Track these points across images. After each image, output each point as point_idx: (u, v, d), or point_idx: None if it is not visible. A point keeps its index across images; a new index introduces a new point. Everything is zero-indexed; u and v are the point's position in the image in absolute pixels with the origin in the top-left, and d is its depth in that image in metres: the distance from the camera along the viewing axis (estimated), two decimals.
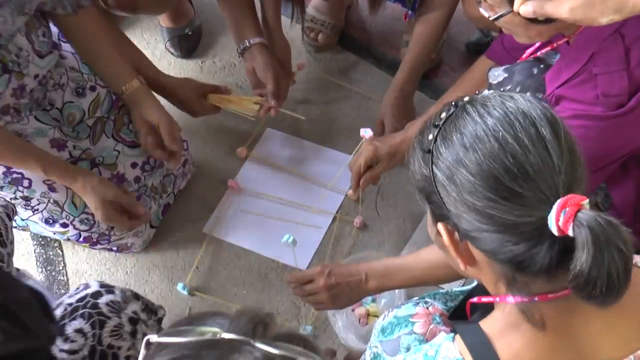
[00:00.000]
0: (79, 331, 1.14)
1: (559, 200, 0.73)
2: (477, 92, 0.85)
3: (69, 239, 1.67)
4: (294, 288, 1.42)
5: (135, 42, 1.77)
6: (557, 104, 1.17)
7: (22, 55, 1.36)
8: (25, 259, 1.78)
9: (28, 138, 1.47)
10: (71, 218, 1.58)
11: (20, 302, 0.85)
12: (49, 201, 1.55)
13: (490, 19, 1.10)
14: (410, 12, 1.83)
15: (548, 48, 1.22)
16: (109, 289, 1.20)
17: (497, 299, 0.85)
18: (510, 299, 0.82)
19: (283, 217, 1.78)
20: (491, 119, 0.78)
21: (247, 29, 1.73)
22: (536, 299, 0.80)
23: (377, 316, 1.52)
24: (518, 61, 1.30)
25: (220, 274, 1.73)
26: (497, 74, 1.32)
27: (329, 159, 1.85)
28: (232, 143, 1.89)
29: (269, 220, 1.78)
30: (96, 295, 1.19)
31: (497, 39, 1.51)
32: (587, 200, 0.73)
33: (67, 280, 1.77)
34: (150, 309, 1.24)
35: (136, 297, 1.24)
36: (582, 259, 0.71)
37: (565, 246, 0.74)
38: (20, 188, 1.52)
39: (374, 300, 1.59)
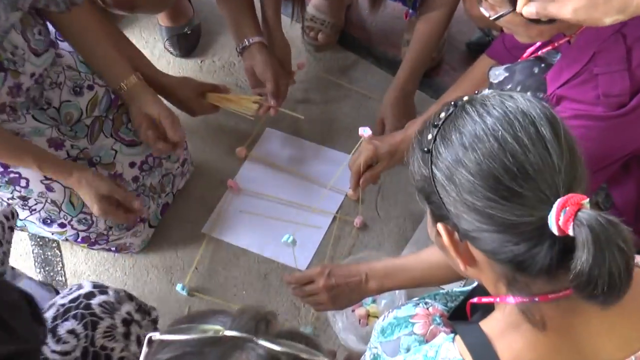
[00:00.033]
0: (71, 332, 1.13)
1: (559, 200, 0.73)
2: (476, 91, 0.85)
3: (67, 239, 1.67)
4: (294, 289, 1.41)
5: (134, 41, 1.76)
6: (558, 104, 1.17)
7: (17, 54, 1.35)
8: (23, 259, 1.78)
9: (25, 137, 1.47)
10: (69, 218, 1.57)
11: (9, 305, 0.84)
12: (46, 201, 1.54)
13: (491, 18, 1.09)
14: (411, 10, 1.82)
15: (549, 47, 1.21)
16: (102, 289, 1.20)
17: (498, 299, 0.85)
18: (511, 300, 0.82)
19: (283, 218, 1.77)
20: (490, 118, 0.78)
21: (247, 28, 1.72)
22: (537, 299, 0.80)
23: (378, 317, 1.51)
24: (519, 60, 1.30)
25: (220, 275, 1.73)
26: (498, 73, 1.32)
27: (329, 159, 1.84)
28: (232, 143, 1.89)
29: (268, 220, 1.78)
30: (89, 295, 1.18)
31: (498, 37, 1.51)
32: (588, 199, 0.73)
33: (66, 280, 1.76)
34: (144, 309, 1.24)
35: (130, 297, 1.23)
36: (582, 258, 0.71)
37: (565, 246, 0.74)
38: (18, 188, 1.52)
39: (374, 301, 1.59)
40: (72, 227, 1.60)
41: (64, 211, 1.56)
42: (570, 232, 0.72)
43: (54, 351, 1.12)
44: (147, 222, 1.73)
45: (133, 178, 1.63)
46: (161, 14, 1.99)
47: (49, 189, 1.53)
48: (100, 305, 1.16)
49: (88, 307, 1.15)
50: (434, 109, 1.13)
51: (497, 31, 1.71)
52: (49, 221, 1.59)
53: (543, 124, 0.77)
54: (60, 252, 1.79)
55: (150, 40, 2.10)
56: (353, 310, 1.57)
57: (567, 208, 0.72)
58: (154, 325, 1.26)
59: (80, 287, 1.20)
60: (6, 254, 1.23)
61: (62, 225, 1.60)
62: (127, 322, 1.18)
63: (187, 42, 2.04)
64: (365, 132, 1.48)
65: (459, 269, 0.86)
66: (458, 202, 0.78)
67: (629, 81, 1.10)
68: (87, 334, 1.13)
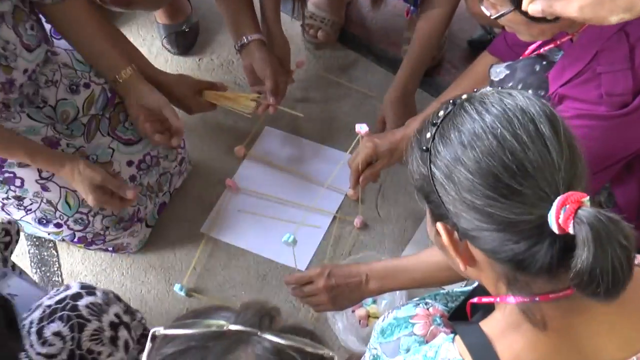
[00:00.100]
0: (57, 334, 1.12)
1: (558, 198, 0.73)
2: (475, 89, 0.84)
3: (63, 240, 1.66)
4: (293, 289, 1.41)
5: (131, 38, 1.76)
6: (560, 103, 1.17)
7: (9, 49, 1.34)
8: (19, 259, 1.76)
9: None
10: (65, 218, 1.57)
11: None
12: (42, 201, 1.53)
13: (492, 17, 1.09)
14: (412, 8, 1.82)
15: (551, 45, 1.21)
16: (89, 290, 1.18)
17: (498, 299, 0.84)
18: (511, 299, 0.82)
19: (282, 217, 1.77)
20: (489, 116, 0.78)
21: (245, 26, 1.71)
22: (537, 299, 0.79)
23: (378, 318, 1.50)
24: (520, 58, 1.29)
25: (218, 275, 1.72)
26: (499, 71, 1.32)
27: (329, 158, 1.83)
28: (230, 141, 1.88)
29: (267, 220, 1.77)
30: (76, 297, 1.16)
31: (499, 34, 1.50)
32: (588, 197, 0.73)
33: (62, 281, 1.76)
34: (131, 311, 1.22)
35: (118, 298, 1.21)
36: (582, 256, 0.71)
37: (566, 244, 0.74)
38: (13, 187, 1.51)
39: (374, 302, 1.59)
40: (69, 227, 1.59)
41: (59, 211, 1.55)
42: (571, 230, 0.72)
43: (39, 353, 1.11)
44: (145, 222, 1.72)
45: (130, 177, 1.62)
46: (159, 11, 1.98)
47: (45, 188, 1.52)
48: (87, 306, 1.15)
49: (75, 308, 1.13)
50: (434, 107, 1.14)
51: (499, 29, 1.71)
52: (44, 221, 1.58)
53: (542, 121, 0.77)
54: (57, 252, 1.78)
55: (147, 38, 2.09)
56: (353, 311, 1.57)
57: (567, 206, 0.72)
58: (142, 326, 1.25)
59: (67, 287, 1.18)
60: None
61: (58, 225, 1.59)
62: (114, 326, 1.16)
63: (185, 40, 2.03)
64: (362, 129, 1.48)
65: (459, 269, 0.86)
66: (457, 200, 0.78)
67: (631, 80, 1.09)
68: (74, 337, 1.12)
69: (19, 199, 1.53)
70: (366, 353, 1.12)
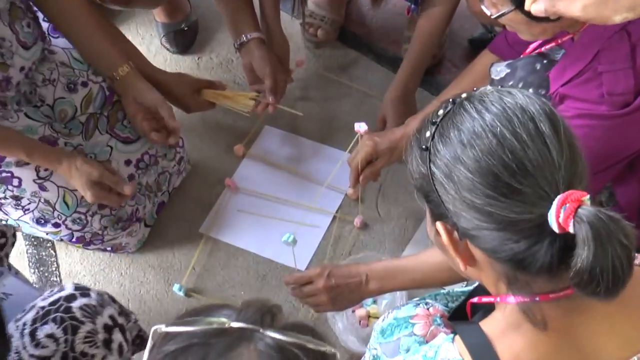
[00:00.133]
0: (50, 336, 1.11)
1: (558, 197, 0.73)
2: (474, 88, 0.84)
3: (61, 240, 1.65)
4: (293, 289, 1.41)
5: (129, 37, 1.76)
6: (561, 102, 1.16)
7: (5, 46, 1.33)
8: (17, 259, 1.76)
9: None
10: (63, 218, 1.56)
11: None
12: (39, 200, 1.53)
13: (493, 17, 1.09)
14: (413, 6, 1.82)
15: (552, 44, 1.21)
16: (84, 292, 1.17)
17: (498, 299, 0.84)
18: (511, 299, 0.81)
19: (281, 217, 1.76)
20: (489, 114, 0.78)
21: (244, 24, 1.71)
22: (537, 298, 0.79)
23: (378, 318, 1.50)
24: (521, 56, 1.29)
25: (217, 275, 1.72)
26: (500, 70, 1.32)
27: (329, 157, 1.83)
28: (229, 141, 1.88)
29: (267, 219, 1.76)
30: (70, 298, 1.15)
31: (500, 33, 1.50)
32: (588, 196, 0.73)
33: (60, 281, 1.75)
34: (126, 312, 1.21)
35: (113, 300, 1.21)
36: (582, 255, 0.71)
37: (566, 243, 0.74)
38: (10, 187, 1.50)
39: (374, 302, 1.58)
40: (67, 227, 1.58)
41: (57, 211, 1.54)
42: (571, 229, 0.71)
43: (32, 355, 1.10)
44: (143, 222, 1.72)
45: (129, 176, 1.61)
46: (157, 10, 1.98)
47: (42, 188, 1.51)
48: (81, 308, 1.14)
49: (68, 310, 1.12)
50: (434, 105, 1.13)
51: (500, 27, 1.70)
52: (42, 221, 1.57)
53: (542, 120, 0.77)
54: (55, 252, 1.78)
55: (146, 37, 2.09)
56: (353, 311, 1.56)
57: (567, 205, 0.71)
58: (138, 327, 1.24)
59: (61, 289, 1.17)
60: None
61: (56, 225, 1.58)
62: (108, 328, 1.15)
63: (184, 39, 2.02)
64: (360, 127, 1.48)
65: (459, 268, 0.86)
66: (457, 200, 0.78)
67: (633, 79, 1.09)
68: (67, 339, 1.11)
69: (17, 198, 1.52)
70: (366, 353, 1.12)
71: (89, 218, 1.57)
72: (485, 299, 0.88)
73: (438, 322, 1.06)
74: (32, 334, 1.10)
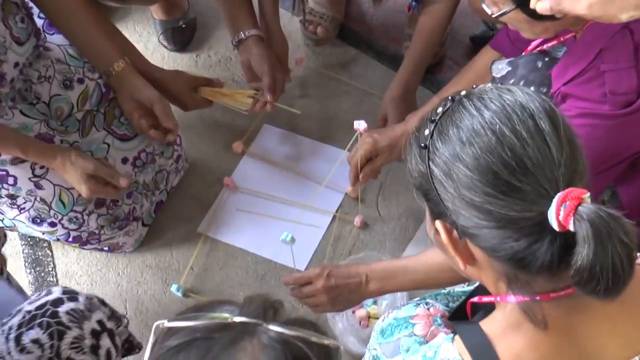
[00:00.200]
0: (35, 342, 1.09)
1: (558, 194, 0.72)
2: (474, 85, 0.84)
3: (58, 239, 1.65)
4: (292, 290, 1.40)
5: (127, 35, 1.75)
6: (563, 101, 1.16)
7: None
8: (13, 259, 1.76)
9: None
10: (59, 217, 1.55)
11: None
12: (35, 199, 1.52)
13: (494, 15, 1.08)
14: (414, 3, 1.82)
15: (554, 42, 1.20)
16: (72, 296, 1.15)
17: (498, 298, 0.84)
18: (512, 299, 0.81)
19: (281, 216, 1.76)
20: (488, 112, 0.78)
21: (242, 21, 1.69)
22: (538, 298, 0.79)
23: (378, 318, 1.50)
24: (522, 54, 1.29)
25: (216, 275, 1.71)
26: (501, 68, 1.31)
27: (328, 156, 1.82)
28: (228, 139, 1.87)
29: (266, 219, 1.76)
30: (57, 302, 1.13)
31: (502, 29, 1.49)
32: (588, 193, 0.72)
33: (57, 282, 1.75)
34: (116, 316, 1.19)
35: (103, 303, 1.19)
36: (582, 253, 0.70)
37: (566, 241, 0.73)
38: (5, 186, 1.49)
39: (375, 302, 1.58)
40: (63, 226, 1.58)
41: (54, 209, 1.54)
42: (571, 227, 0.71)
43: None
44: (141, 221, 1.71)
45: (126, 175, 1.59)
46: (155, 7, 1.97)
47: (38, 186, 1.50)
48: (68, 313, 1.12)
49: (55, 315, 1.11)
50: (434, 102, 1.14)
51: (501, 25, 1.69)
52: (38, 220, 1.57)
53: (542, 117, 0.76)
54: (52, 252, 1.77)
55: (144, 34, 2.08)
56: (353, 312, 1.56)
57: (567, 202, 0.71)
58: (128, 332, 1.22)
59: (49, 292, 1.16)
60: None
61: (52, 225, 1.57)
62: (96, 334, 1.13)
63: (182, 36, 2.01)
64: (360, 125, 1.47)
65: (459, 268, 0.86)
66: (456, 198, 0.78)
67: (636, 79, 1.08)
68: (52, 344, 1.09)
69: (12, 197, 1.51)
70: (366, 354, 1.12)
71: (85, 217, 1.56)
72: (485, 299, 0.87)
73: (438, 322, 1.06)
74: (17, 339, 1.09)
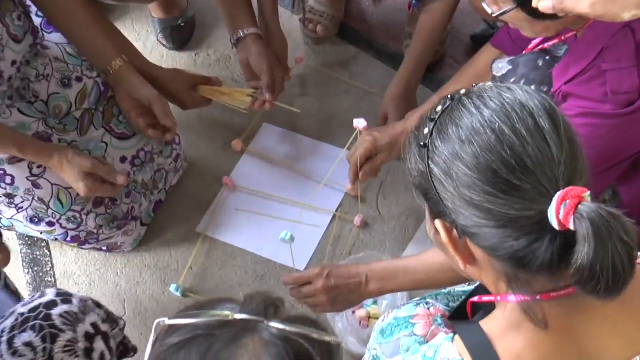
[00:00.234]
0: (28, 345, 1.08)
1: (558, 193, 0.72)
2: (473, 84, 0.84)
3: (56, 239, 1.64)
4: (292, 290, 1.40)
5: (125, 33, 1.74)
6: (564, 100, 1.16)
7: None
8: (11, 259, 1.73)
9: None
10: (57, 216, 1.55)
11: None
12: (33, 199, 1.52)
13: (494, 15, 1.08)
14: (414, 2, 1.82)
15: (555, 40, 1.20)
16: (65, 298, 1.14)
17: (498, 298, 0.84)
18: (512, 298, 0.81)
19: (280, 216, 1.75)
20: (488, 110, 0.77)
21: (241, 19, 1.69)
22: (538, 297, 0.79)
23: (379, 318, 1.49)
24: (523, 53, 1.29)
25: (215, 275, 1.71)
26: (502, 66, 1.31)
27: (328, 155, 1.81)
28: (227, 138, 1.86)
29: (265, 218, 1.75)
30: (50, 305, 1.12)
31: (503, 27, 1.49)
32: (588, 192, 0.72)
33: (55, 282, 1.74)
34: (112, 318, 1.19)
35: (98, 305, 1.18)
36: (583, 252, 0.70)
37: (567, 240, 0.73)
38: (3, 185, 1.49)
39: (375, 302, 1.57)
40: (61, 226, 1.57)
41: (52, 209, 1.53)
42: (571, 226, 0.71)
43: None
44: (140, 220, 1.70)
45: (122, 172, 1.59)
46: (153, 5, 1.96)
47: (36, 185, 1.50)
48: (61, 316, 1.11)
49: (48, 317, 1.10)
50: (434, 101, 1.14)
51: (502, 23, 1.69)
52: (36, 220, 1.56)
53: (542, 115, 0.76)
54: (50, 252, 1.76)
55: (142, 33, 2.07)
56: (353, 312, 1.56)
57: (567, 201, 0.71)
58: (123, 335, 1.21)
59: (42, 295, 1.15)
60: None
61: (50, 224, 1.57)
62: (90, 337, 1.13)
63: (180, 35, 2.01)
64: (360, 123, 1.47)
65: (459, 267, 0.86)
66: (456, 197, 0.78)
67: (637, 78, 1.08)
68: (45, 348, 1.08)
69: (10, 196, 1.51)
70: (366, 354, 1.12)
71: (83, 216, 1.56)
72: (485, 298, 0.87)
73: (439, 322, 1.06)
74: (10, 342, 1.08)
